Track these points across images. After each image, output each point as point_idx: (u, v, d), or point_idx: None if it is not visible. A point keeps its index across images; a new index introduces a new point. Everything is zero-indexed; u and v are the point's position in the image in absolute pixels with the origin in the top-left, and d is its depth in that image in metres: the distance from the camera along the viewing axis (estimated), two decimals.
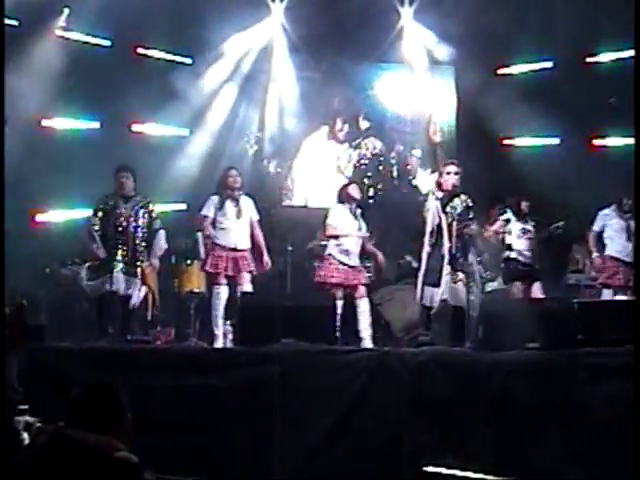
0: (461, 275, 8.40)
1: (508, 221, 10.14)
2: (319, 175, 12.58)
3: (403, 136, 13.01)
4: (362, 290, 9.38)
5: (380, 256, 9.80)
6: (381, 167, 12.74)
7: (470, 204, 8.63)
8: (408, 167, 12.89)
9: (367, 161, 12.71)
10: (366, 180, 12.48)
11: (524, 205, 10.28)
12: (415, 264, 11.25)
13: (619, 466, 6.69)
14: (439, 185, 8.74)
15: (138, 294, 8.90)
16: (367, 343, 8.91)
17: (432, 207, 8.56)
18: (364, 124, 12.78)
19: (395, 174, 12.69)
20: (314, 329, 7.47)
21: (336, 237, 9.44)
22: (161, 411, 6.88)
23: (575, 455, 6.81)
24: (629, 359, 7.10)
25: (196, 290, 10.20)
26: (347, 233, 9.43)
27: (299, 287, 10.00)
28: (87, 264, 8.95)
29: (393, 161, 12.72)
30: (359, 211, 9.71)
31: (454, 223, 8.52)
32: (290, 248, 10.12)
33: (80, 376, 6.30)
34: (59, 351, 7.35)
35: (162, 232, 9.02)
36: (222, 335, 9.04)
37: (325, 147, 12.75)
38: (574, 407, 6.97)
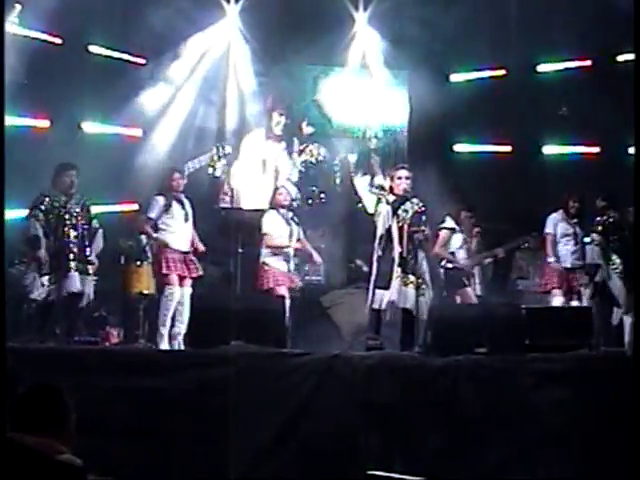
0: (412, 278, 8.44)
1: (453, 230, 10.19)
2: (259, 176, 12.54)
3: (346, 142, 13.02)
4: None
5: (315, 256, 9.97)
6: (325, 173, 12.75)
7: (422, 208, 8.68)
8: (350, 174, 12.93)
9: (312, 167, 12.71)
10: (312, 186, 12.50)
11: (464, 215, 10.33)
12: (365, 268, 11.35)
13: (563, 469, 6.79)
14: (391, 189, 8.81)
15: (90, 294, 8.83)
16: None
17: (383, 211, 8.60)
18: (308, 129, 12.76)
19: (338, 181, 12.71)
20: (263, 332, 7.45)
21: (277, 247, 9.62)
22: (110, 413, 6.82)
23: (520, 459, 6.88)
24: (575, 365, 7.22)
25: (145, 291, 10.13)
26: (285, 244, 9.63)
27: (249, 289, 9.95)
28: (36, 272, 8.68)
29: (336, 168, 12.75)
30: (290, 214, 9.78)
31: (405, 227, 8.57)
32: (241, 250, 10.10)
33: (27, 377, 6.20)
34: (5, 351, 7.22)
35: (101, 231, 8.97)
36: (168, 336, 9.04)
37: (264, 147, 12.73)
38: (520, 411, 7.04)
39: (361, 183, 12.05)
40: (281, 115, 12.45)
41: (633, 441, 5.29)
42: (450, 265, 10.11)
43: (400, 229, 8.55)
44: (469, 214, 10.39)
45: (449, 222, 10.22)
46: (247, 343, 7.34)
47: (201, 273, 9.40)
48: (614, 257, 9.20)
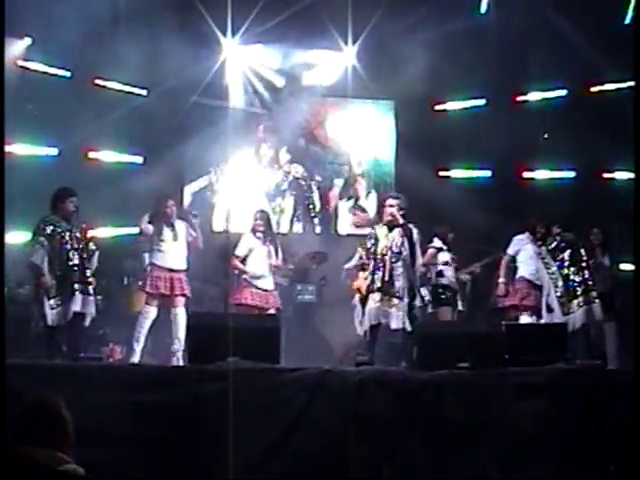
0: (395, 300, 8.47)
1: (440, 249, 10.25)
2: (244, 199, 12.67)
3: (330, 166, 13.19)
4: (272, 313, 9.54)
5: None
6: (302, 191, 12.96)
7: (402, 237, 8.64)
8: (330, 196, 13.07)
9: (292, 184, 12.93)
10: (293, 205, 12.74)
11: (450, 237, 10.41)
12: None
13: (541, 477, 6.82)
14: (380, 216, 8.85)
15: (92, 312, 8.83)
16: None
17: (375, 236, 8.66)
18: (285, 157, 12.98)
19: (317, 204, 12.95)
20: (258, 348, 7.45)
21: (244, 271, 9.67)
22: (113, 425, 6.78)
23: (500, 468, 6.89)
24: (552, 378, 7.25)
25: None
26: (258, 272, 9.65)
27: (230, 306, 9.96)
28: (45, 295, 8.61)
29: (314, 187, 12.95)
30: (269, 238, 9.80)
31: (389, 253, 8.59)
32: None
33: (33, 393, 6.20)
34: (12, 368, 7.21)
35: (96, 253, 9.00)
36: (140, 351, 9.14)
37: (254, 172, 12.92)
38: (500, 423, 7.04)
39: (344, 206, 12.20)
40: (270, 148, 12.70)
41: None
42: (443, 282, 10.16)
43: (383, 255, 8.60)
44: (453, 235, 10.47)
45: (436, 242, 10.28)
46: (243, 359, 7.35)
47: (187, 292, 9.37)
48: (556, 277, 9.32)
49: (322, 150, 13.16)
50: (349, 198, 13.02)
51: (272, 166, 12.99)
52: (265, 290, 9.69)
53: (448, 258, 10.28)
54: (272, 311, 9.60)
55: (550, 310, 9.22)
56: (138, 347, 9.16)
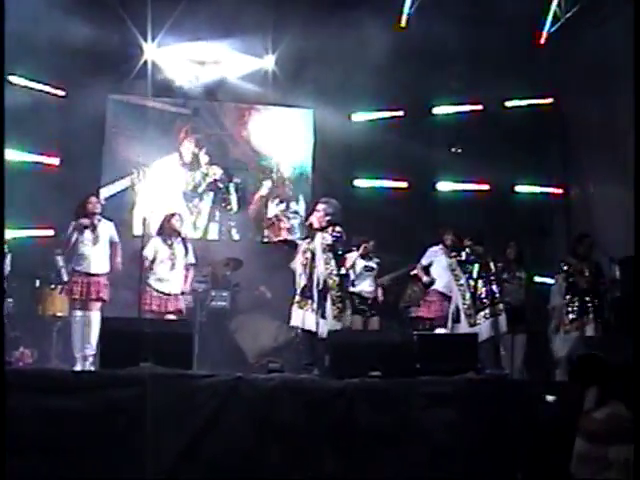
0: (311, 304, 8.51)
1: (353, 264, 10.36)
2: (167, 201, 12.63)
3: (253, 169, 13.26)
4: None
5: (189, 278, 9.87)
6: (220, 192, 13.04)
7: (330, 241, 8.67)
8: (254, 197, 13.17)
9: (209, 186, 12.97)
10: (209, 206, 12.84)
11: (370, 245, 10.51)
12: (269, 295, 11.43)
13: None
14: (310, 223, 8.87)
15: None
16: None
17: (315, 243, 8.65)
18: (204, 158, 13.01)
19: (235, 206, 12.97)
20: (171, 354, 7.42)
21: (150, 268, 9.53)
22: (24, 431, 6.69)
23: (411, 475, 7.00)
24: (460, 387, 7.39)
25: (59, 314, 10.04)
26: (166, 272, 9.55)
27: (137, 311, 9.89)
28: None
29: (232, 189, 13.02)
30: (179, 239, 9.75)
31: (310, 255, 8.62)
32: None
33: None
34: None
35: (9, 256, 8.84)
36: (82, 358, 8.96)
37: (174, 173, 12.97)
38: (411, 430, 7.15)
39: (276, 209, 12.19)
40: (191, 150, 12.73)
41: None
42: (355, 291, 10.28)
43: (306, 259, 8.64)
44: (373, 243, 10.57)
45: (352, 254, 10.35)
46: (155, 365, 7.32)
47: (104, 297, 9.25)
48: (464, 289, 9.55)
49: (244, 153, 13.20)
50: (281, 201, 13.10)
51: (192, 168, 12.99)
52: (166, 294, 9.54)
53: (361, 268, 10.39)
54: (170, 316, 9.43)
55: (457, 321, 9.43)
56: (78, 355, 9.04)
